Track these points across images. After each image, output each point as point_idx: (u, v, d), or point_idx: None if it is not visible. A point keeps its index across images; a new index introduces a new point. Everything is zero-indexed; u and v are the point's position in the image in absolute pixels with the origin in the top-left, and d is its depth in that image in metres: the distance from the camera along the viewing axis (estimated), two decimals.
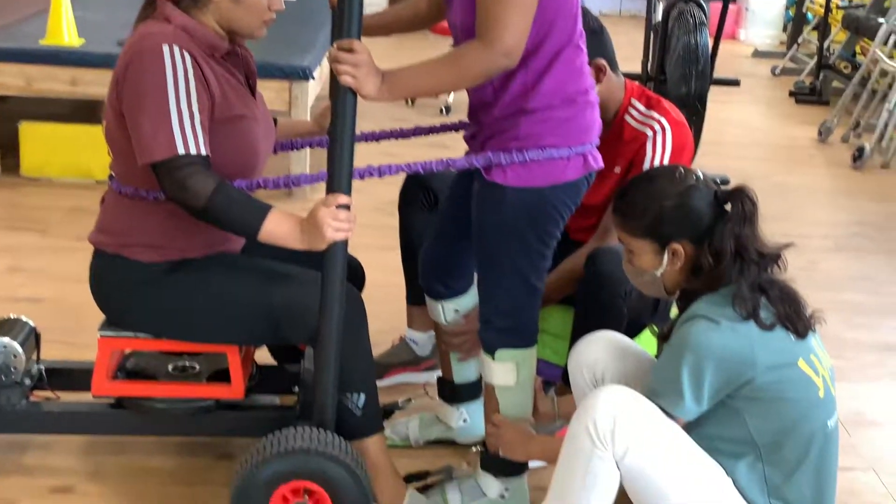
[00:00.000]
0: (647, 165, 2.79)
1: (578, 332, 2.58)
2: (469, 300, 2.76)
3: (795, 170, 6.12)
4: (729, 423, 2.09)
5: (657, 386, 2.09)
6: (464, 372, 2.85)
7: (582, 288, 2.72)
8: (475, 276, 2.64)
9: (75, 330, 3.09)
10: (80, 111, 5.14)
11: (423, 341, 3.19)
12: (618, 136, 2.86)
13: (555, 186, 2.32)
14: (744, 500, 2.08)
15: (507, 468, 2.54)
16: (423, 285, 2.78)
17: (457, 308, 2.76)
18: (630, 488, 2.08)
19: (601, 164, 2.41)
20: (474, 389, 2.86)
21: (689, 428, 2.09)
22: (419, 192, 3.01)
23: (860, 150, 6.22)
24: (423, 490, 2.58)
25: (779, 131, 7.05)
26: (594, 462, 2.04)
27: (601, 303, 2.64)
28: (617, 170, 2.86)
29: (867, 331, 3.82)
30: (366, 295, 2.48)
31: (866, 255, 4.72)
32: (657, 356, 2.26)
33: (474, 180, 2.40)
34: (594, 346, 2.40)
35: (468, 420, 2.87)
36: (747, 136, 6.80)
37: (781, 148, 6.60)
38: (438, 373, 2.97)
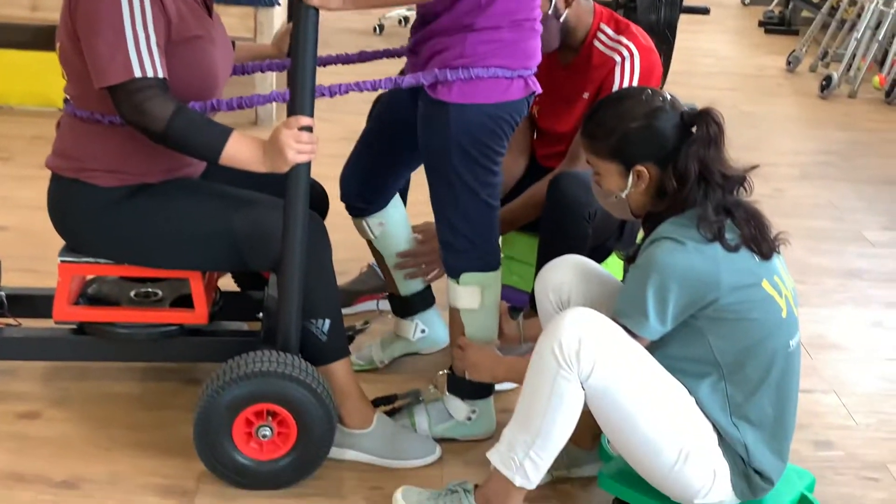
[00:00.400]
0: (616, 87, 2.78)
1: (544, 256, 2.59)
2: (393, 211, 2.80)
3: (763, 99, 6.13)
4: (692, 344, 2.11)
5: (623, 306, 2.10)
6: (409, 284, 2.88)
7: (546, 212, 2.72)
8: (394, 190, 2.75)
9: (39, 258, 3.06)
10: (41, 38, 5.01)
11: None
12: (586, 62, 2.84)
13: (498, 104, 2.34)
14: (706, 419, 2.12)
15: (473, 391, 2.57)
16: (344, 203, 2.79)
17: (381, 221, 2.79)
18: (595, 409, 2.10)
19: (539, 88, 2.43)
20: (424, 298, 2.91)
21: (653, 349, 2.11)
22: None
23: (828, 79, 6.24)
24: (390, 413, 2.59)
25: (747, 61, 7.05)
26: (559, 382, 2.06)
27: (565, 226, 2.65)
28: (585, 95, 2.86)
29: (831, 257, 3.86)
30: (330, 224, 2.48)
31: (832, 183, 4.75)
32: (623, 279, 2.27)
33: (418, 102, 2.41)
34: (560, 269, 2.41)
35: (426, 330, 2.92)
36: (716, 66, 6.79)
37: (750, 77, 6.60)
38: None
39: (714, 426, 2.12)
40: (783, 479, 2.22)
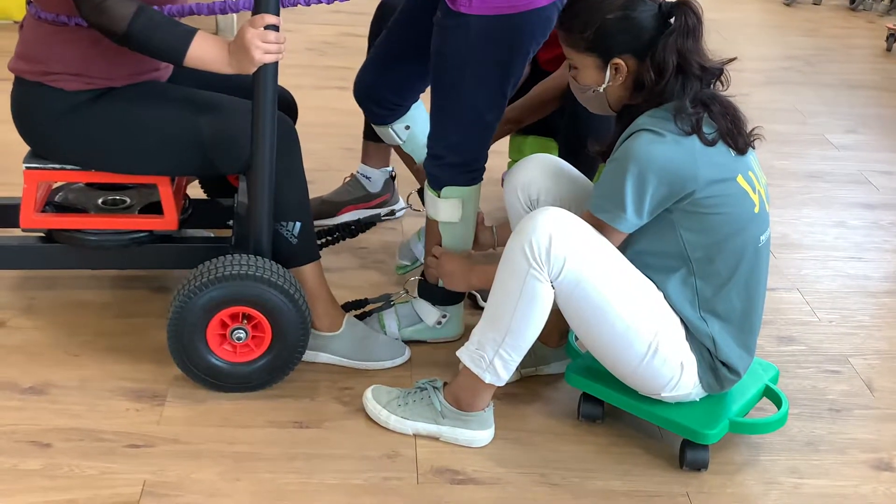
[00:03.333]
0: None
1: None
2: (416, 112, 2.75)
3: (729, 6, 6.10)
4: (663, 238, 2.12)
5: (599, 200, 2.10)
6: None
7: (564, 124, 2.69)
8: (418, 93, 2.68)
9: (6, 170, 3.01)
10: None
11: (375, 177, 3.17)
12: None
13: (524, 14, 2.23)
14: (674, 313, 2.14)
15: (444, 297, 2.58)
16: (365, 112, 2.75)
17: (407, 125, 2.74)
18: (564, 306, 2.12)
19: None
20: None
21: (623, 245, 2.12)
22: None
23: None
24: (361, 317, 2.60)
25: None
26: (529, 282, 2.07)
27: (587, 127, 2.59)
28: None
29: (794, 159, 3.89)
30: (301, 133, 2.45)
31: (796, 88, 4.77)
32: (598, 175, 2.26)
33: (437, 10, 2.31)
34: (530, 168, 2.40)
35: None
36: None
37: None
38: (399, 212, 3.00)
39: (682, 320, 2.15)
40: (748, 371, 2.26)
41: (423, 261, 2.85)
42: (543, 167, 2.39)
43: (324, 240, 2.84)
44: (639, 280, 2.12)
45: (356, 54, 3.37)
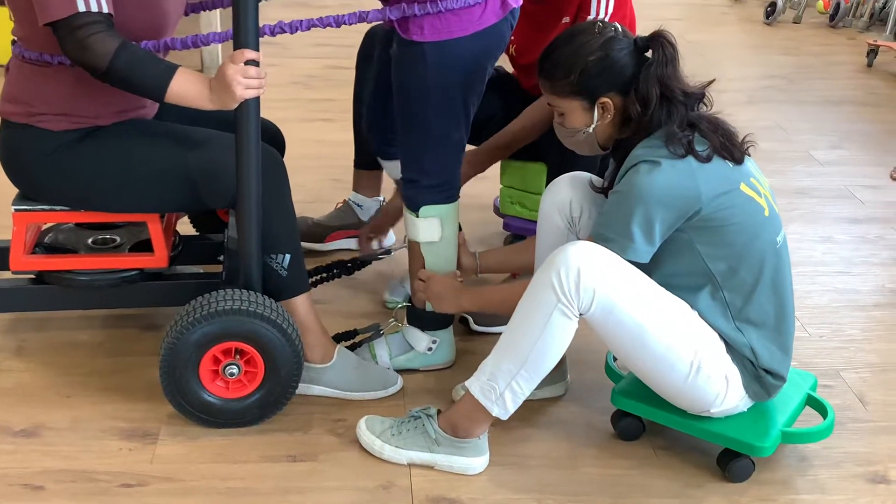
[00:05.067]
0: (594, 6, 2.72)
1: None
2: None
3: (709, 28, 6.16)
4: (683, 258, 2.15)
5: (605, 231, 2.12)
6: None
7: (555, 146, 2.70)
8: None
9: None
10: None
11: (367, 205, 3.19)
12: None
13: (476, 34, 2.28)
14: (710, 328, 2.16)
15: (434, 321, 2.58)
16: (373, 148, 2.76)
17: None
18: (602, 334, 2.14)
19: (517, 2, 2.37)
20: None
21: (646, 269, 2.14)
22: (378, 48, 2.92)
23: (772, 5, 6.27)
24: (352, 348, 2.60)
25: None
26: (555, 316, 2.08)
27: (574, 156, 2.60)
28: (566, 20, 2.79)
29: (780, 176, 3.91)
30: (289, 165, 2.45)
31: (778, 106, 4.81)
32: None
33: (392, 43, 2.36)
34: (565, 187, 2.40)
35: None
36: None
37: (696, 7, 6.62)
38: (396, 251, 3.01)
39: (719, 334, 2.17)
40: (788, 381, 2.29)
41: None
42: (580, 184, 2.40)
43: (320, 276, 2.85)
44: (671, 301, 2.14)
45: (342, 86, 3.39)
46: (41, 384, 2.50)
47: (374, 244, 3.08)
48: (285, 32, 2.29)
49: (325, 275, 2.87)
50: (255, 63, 2.16)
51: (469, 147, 2.91)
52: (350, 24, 2.32)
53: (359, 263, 2.92)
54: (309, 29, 2.29)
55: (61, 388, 2.49)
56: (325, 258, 3.07)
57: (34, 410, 2.39)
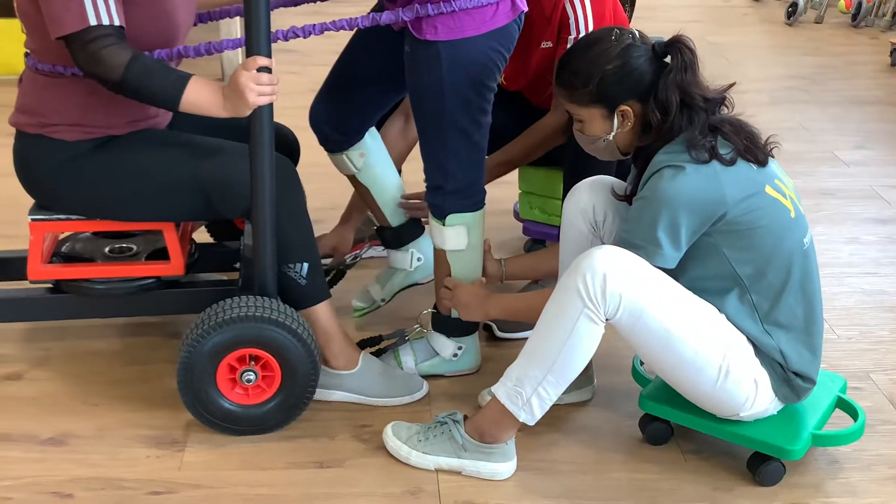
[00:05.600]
0: (573, 26, 2.74)
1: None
2: (371, 141, 2.75)
3: (730, 29, 6.13)
4: (710, 261, 2.13)
5: (631, 238, 2.10)
6: (400, 214, 2.84)
7: (569, 153, 2.69)
8: (372, 121, 2.70)
9: (11, 223, 3.04)
10: (3, 6, 4.96)
11: None
12: (537, 13, 2.77)
13: (489, 34, 2.30)
14: (738, 332, 2.14)
15: (459, 328, 2.57)
16: (319, 139, 2.74)
17: (362, 152, 2.74)
18: (630, 339, 2.13)
19: (525, 6, 2.39)
20: (415, 226, 2.87)
21: (673, 274, 2.12)
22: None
23: (794, 6, 6.23)
24: (377, 354, 2.59)
25: None
26: (582, 321, 2.07)
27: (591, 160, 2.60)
28: (547, 44, 2.81)
29: (804, 178, 3.88)
30: (306, 174, 2.45)
31: (801, 107, 4.77)
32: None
33: (403, 44, 2.37)
34: (588, 191, 2.38)
35: (422, 258, 2.86)
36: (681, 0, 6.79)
37: (716, 9, 6.59)
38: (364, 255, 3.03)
39: (747, 338, 2.15)
40: (818, 384, 2.27)
41: (380, 303, 2.87)
42: (602, 188, 2.38)
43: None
44: (698, 305, 2.12)
45: None
46: (66, 393, 2.51)
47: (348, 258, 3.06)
48: (299, 37, 2.29)
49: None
50: (268, 70, 2.15)
51: None
52: (363, 27, 2.33)
53: (334, 275, 2.90)
54: (322, 33, 2.29)
55: (87, 396, 2.49)
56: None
57: (61, 419, 2.40)
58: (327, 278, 2.86)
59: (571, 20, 2.75)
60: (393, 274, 2.89)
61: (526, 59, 2.84)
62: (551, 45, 2.81)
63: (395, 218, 2.84)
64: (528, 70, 2.87)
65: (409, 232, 2.86)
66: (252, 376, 2.30)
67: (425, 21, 2.28)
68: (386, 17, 2.29)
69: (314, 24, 2.28)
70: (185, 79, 2.17)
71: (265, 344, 2.27)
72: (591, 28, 2.71)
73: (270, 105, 2.19)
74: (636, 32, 2.21)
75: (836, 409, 2.37)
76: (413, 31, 2.31)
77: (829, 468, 2.30)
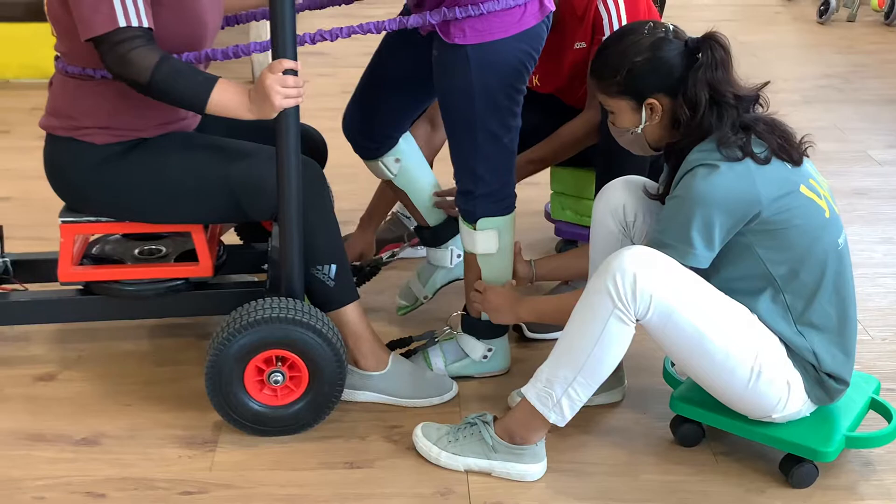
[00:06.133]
0: (607, 27, 2.74)
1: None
2: (405, 145, 2.74)
3: (762, 28, 6.08)
4: (743, 262, 2.12)
5: (664, 237, 2.09)
6: (438, 213, 2.84)
7: (602, 147, 2.69)
8: (406, 125, 2.70)
9: (43, 225, 3.05)
10: (33, 10, 5.01)
11: None
12: (570, 14, 2.78)
13: (517, 36, 2.29)
14: (771, 333, 2.13)
15: (489, 330, 2.57)
16: (353, 147, 2.74)
17: (397, 157, 2.73)
18: (661, 340, 2.12)
19: (553, 6, 2.38)
20: (454, 223, 2.85)
21: (705, 274, 2.11)
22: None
23: (826, 4, 6.18)
24: (406, 355, 2.60)
25: None
26: (612, 322, 2.06)
27: (622, 160, 2.56)
28: (581, 45, 2.81)
29: (837, 177, 3.83)
30: (335, 175, 2.46)
31: (834, 106, 4.73)
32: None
33: (432, 48, 2.36)
34: (619, 190, 2.37)
35: (462, 254, 2.82)
36: None
37: (748, 7, 6.54)
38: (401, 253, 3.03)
39: (780, 339, 2.14)
40: (851, 385, 2.25)
41: (422, 301, 2.87)
42: (633, 188, 2.37)
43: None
44: (730, 305, 2.11)
45: None
46: (99, 393, 2.53)
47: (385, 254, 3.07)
48: (326, 40, 2.29)
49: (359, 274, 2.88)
50: (294, 72, 2.15)
51: None
52: (391, 30, 2.32)
53: (367, 271, 2.91)
54: (349, 36, 2.29)
55: (119, 396, 2.51)
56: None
57: (93, 419, 2.42)
58: (364, 272, 2.89)
59: (605, 21, 2.74)
60: (434, 271, 2.88)
61: (559, 60, 2.83)
62: (585, 46, 2.80)
63: (432, 217, 2.84)
64: (562, 71, 2.86)
65: (447, 230, 2.85)
66: (280, 377, 2.30)
67: (453, 24, 2.28)
68: (413, 21, 2.29)
69: (341, 28, 2.27)
70: (212, 81, 2.18)
71: (290, 345, 2.27)
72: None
73: (297, 107, 2.19)
74: (671, 27, 2.19)
75: (870, 411, 2.34)
76: (441, 34, 2.30)
77: (862, 470, 2.28)
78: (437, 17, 2.28)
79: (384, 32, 2.39)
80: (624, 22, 2.71)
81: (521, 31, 2.29)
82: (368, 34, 2.32)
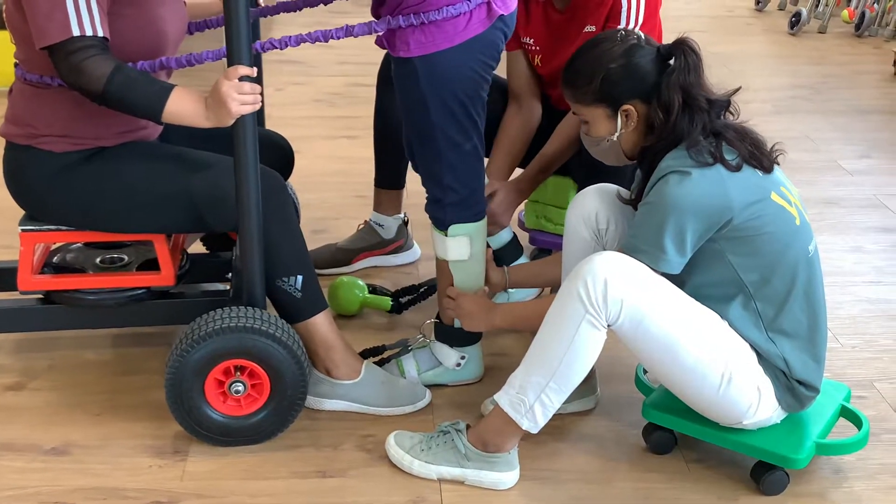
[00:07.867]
0: (624, 16, 2.70)
1: None
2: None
3: (734, 39, 6.13)
4: (714, 268, 2.13)
5: (637, 242, 2.10)
6: (499, 236, 2.88)
7: (583, 166, 2.68)
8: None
9: (3, 233, 3.03)
10: None
11: (388, 224, 3.18)
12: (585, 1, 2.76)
13: (463, 45, 2.27)
14: (742, 339, 2.14)
15: (462, 338, 2.57)
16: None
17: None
18: (632, 346, 2.13)
19: (511, 7, 2.35)
20: (515, 247, 2.92)
21: (676, 281, 2.12)
22: None
23: (797, 15, 6.24)
24: (379, 364, 2.59)
25: (716, 2, 7.04)
26: (584, 327, 2.07)
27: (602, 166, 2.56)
28: (590, 28, 2.77)
29: (808, 187, 3.87)
30: (305, 183, 2.45)
31: (805, 116, 4.77)
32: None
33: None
34: (591, 198, 2.38)
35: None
36: (685, 9, 6.79)
37: (719, 18, 6.60)
38: (408, 257, 3.02)
39: (751, 345, 2.15)
40: (822, 392, 2.26)
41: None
42: (606, 196, 2.38)
43: (410, 296, 2.90)
44: (701, 312, 2.12)
45: (365, 104, 3.39)
46: (68, 403, 2.50)
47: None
48: (275, 48, 2.29)
49: (414, 295, 2.91)
50: (250, 79, 2.14)
51: (518, 170, 2.93)
52: (338, 39, 2.30)
53: (424, 291, 2.93)
54: (298, 45, 2.29)
55: (88, 406, 2.49)
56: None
57: (63, 429, 2.40)
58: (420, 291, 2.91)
59: (623, 10, 2.69)
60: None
61: (566, 41, 2.78)
62: (594, 30, 2.75)
63: (495, 241, 2.87)
64: (567, 53, 2.80)
65: (510, 253, 2.90)
66: (241, 387, 2.29)
67: (397, 37, 2.28)
68: (359, 30, 2.28)
69: (290, 36, 2.28)
70: (167, 90, 2.17)
71: (246, 353, 2.26)
72: (640, 22, 2.69)
73: (254, 114, 2.18)
74: (641, 35, 2.21)
75: (840, 418, 2.36)
76: (388, 47, 2.32)
77: (833, 477, 2.29)
78: (382, 25, 2.28)
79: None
80: (642, 13, 2.70)
81: (467, 39, 2.27)
82: (317, 42, 2.30)
